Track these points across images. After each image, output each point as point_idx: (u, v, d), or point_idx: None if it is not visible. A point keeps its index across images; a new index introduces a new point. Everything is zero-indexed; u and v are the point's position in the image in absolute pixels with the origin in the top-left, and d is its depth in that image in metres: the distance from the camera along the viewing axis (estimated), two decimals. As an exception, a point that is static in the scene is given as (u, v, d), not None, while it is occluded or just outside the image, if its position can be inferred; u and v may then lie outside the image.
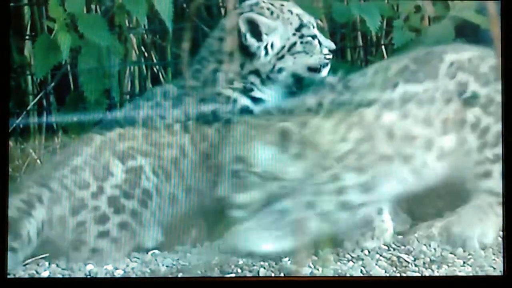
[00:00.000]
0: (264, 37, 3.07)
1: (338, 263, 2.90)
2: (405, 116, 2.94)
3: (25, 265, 2.89)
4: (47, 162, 3.30)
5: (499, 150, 2.95)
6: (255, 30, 3.06)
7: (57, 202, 2.92)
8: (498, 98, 2.96)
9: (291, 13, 3.14)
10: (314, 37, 3.14)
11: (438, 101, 2.96)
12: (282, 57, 3.11)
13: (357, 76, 3.07)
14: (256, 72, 3.10)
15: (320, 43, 3.15)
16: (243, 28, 3.06)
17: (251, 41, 3.07)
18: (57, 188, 2.93)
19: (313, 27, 3.16)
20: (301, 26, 3.13)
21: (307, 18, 3.16)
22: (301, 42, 3.13)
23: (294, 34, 3.12)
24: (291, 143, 2.89)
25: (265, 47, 3.08)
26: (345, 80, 3.05)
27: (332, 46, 3.18)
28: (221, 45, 3.11)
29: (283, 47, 3.11)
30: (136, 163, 2.98)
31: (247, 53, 3.08)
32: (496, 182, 2.95)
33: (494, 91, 2.98)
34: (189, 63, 3.16)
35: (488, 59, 3.02)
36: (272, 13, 3.11)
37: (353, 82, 3.03)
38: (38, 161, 3.40)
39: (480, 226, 2.98)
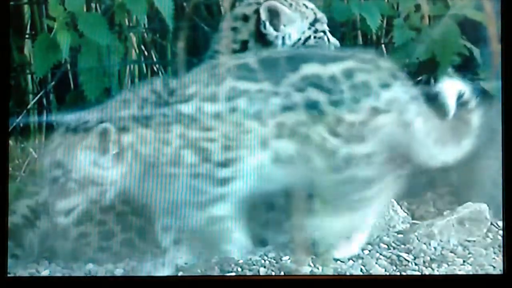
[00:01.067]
0: (282, 27, 3.09)
1: (338, 261, 2.90)
2: (234, 110, 2.83)
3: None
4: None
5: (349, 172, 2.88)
6: (275, 19, 3.08)
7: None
8: (350, 118, 2.86)
9: (306, 7, 3.17)
10: (324, 33, 3.17)
11: (273, 105, 2.84)
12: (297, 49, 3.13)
13: (179, 77, 3.00)
14: None
15: (328, 39, 3.17)
16: (264, 15, 3.07)
17: (269, 29, 3.08)
18: None
19: (325, 23, 3.18)
20: (315, 20, 3.16)
21: (320, 14, 3.19)
22: (314, 37, 3.15)
23: (309, 28, 3.15)
24: (111, 144, 2.78)
25: (283, 38, 3.09)
26: (166, 81, 2.94)
27: (337, 44, 3.20)
28: (236, 35, 3.12)
29: (299, 39, 3.13)
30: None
31: (263, 42, 3.10)
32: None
33: (348, 111, 2.86)
34: (195, 60, 3.18)
35: (359, 74, 2.90)
36: (290, 5, 3.14)
37: (174, 83, 2.93)
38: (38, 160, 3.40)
39: None
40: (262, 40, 3.10)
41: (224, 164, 2.83)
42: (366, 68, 2.91)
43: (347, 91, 2.86)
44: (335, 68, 2.88)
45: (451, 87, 3.00)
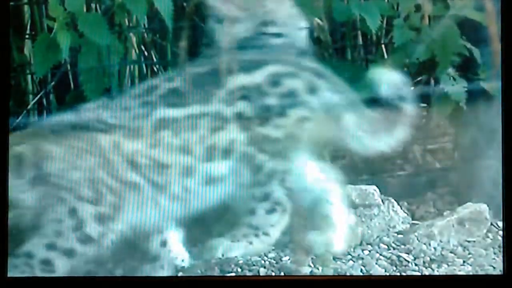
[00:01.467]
0: (226, 24, 3.06)
1: (338, 262, 2.90)
2: (155, 145, 2.81)
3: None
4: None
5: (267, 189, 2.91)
6: (216, 16, 3.07)
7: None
8: (276, 134, 2.89)
9: (263, 7, 3.11)
10: (279, 35, 3.13)
11: (203, 128, 2.84)
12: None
13: (122, 97, 2.98)
14: None
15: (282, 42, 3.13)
16: (208, 11, 3.07)
17: (212, 27, 3.07)
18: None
19: (288, 25, 3.13)
20: (268, 22, 3.11)
21: (283, 16, 3.12)
22: (259, 39, 3.10)
23: (256, 29, 3.11)
24: (26, 168, 2.75)
25: (223, 35, 3.07)
26: (106, 101, 2.91)
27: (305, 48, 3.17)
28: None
29: (241, 39, 3.08)
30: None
31: (206, 39, 3.11)
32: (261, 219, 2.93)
33: (274, 127, 2.89)
34: (192, 61, 3.18)
35: (285, 80, 2.92)
36: (242, 3, 3.10)
37: (112, 104, 2.90)
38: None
39: None
40: (205, 37, 3.10)
41: None
42: (291, 72, 2.92)
43: (273, 100, 2.88)
44: (260, 76, 2.89)
45: (381, 76, 3.01)
